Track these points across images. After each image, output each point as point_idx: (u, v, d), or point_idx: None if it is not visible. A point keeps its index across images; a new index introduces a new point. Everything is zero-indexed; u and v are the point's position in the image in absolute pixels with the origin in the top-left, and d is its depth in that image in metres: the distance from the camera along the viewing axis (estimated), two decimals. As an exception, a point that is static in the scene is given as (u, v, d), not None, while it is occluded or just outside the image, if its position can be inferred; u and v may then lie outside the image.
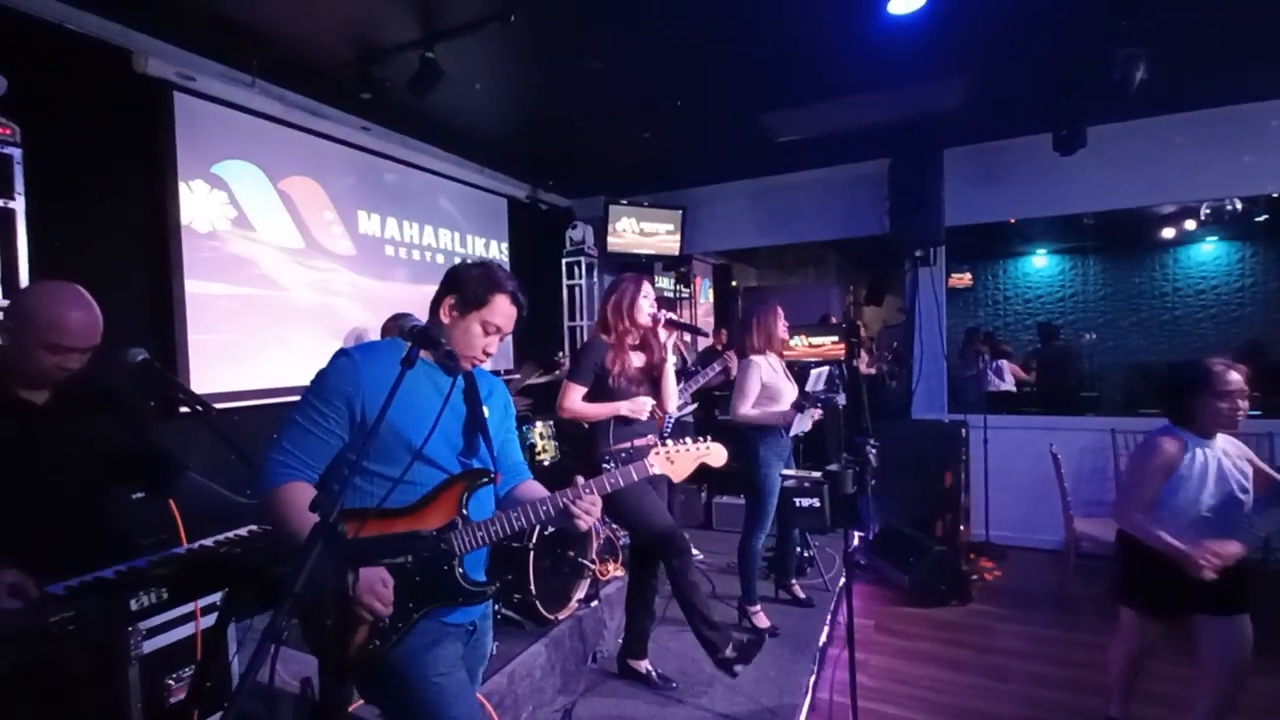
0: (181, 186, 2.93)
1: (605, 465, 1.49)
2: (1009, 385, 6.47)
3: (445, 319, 1.43)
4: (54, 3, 2.54)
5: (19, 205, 2.24)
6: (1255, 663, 2.08)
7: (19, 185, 2.23)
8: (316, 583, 0.86)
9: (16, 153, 2.23)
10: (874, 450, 2.57)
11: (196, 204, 2.99)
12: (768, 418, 3.14)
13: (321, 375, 1.33)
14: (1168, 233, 7.56)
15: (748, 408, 3.15)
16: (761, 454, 3.14)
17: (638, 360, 2.57)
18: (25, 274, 2.23)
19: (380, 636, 1.22)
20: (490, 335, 1.43)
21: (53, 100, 2.50)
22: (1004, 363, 6.57)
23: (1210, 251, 7.88)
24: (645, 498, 2.50)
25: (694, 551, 4.20)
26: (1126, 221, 6.56)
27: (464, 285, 1.43)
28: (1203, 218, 6.27)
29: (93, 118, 2.66)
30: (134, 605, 1.43)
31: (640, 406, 2.51)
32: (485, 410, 1.46)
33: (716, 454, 1.66)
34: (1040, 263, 8.89)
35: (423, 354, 1.36)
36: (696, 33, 2.97)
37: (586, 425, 2.57)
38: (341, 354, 1.35)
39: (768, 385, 3.17)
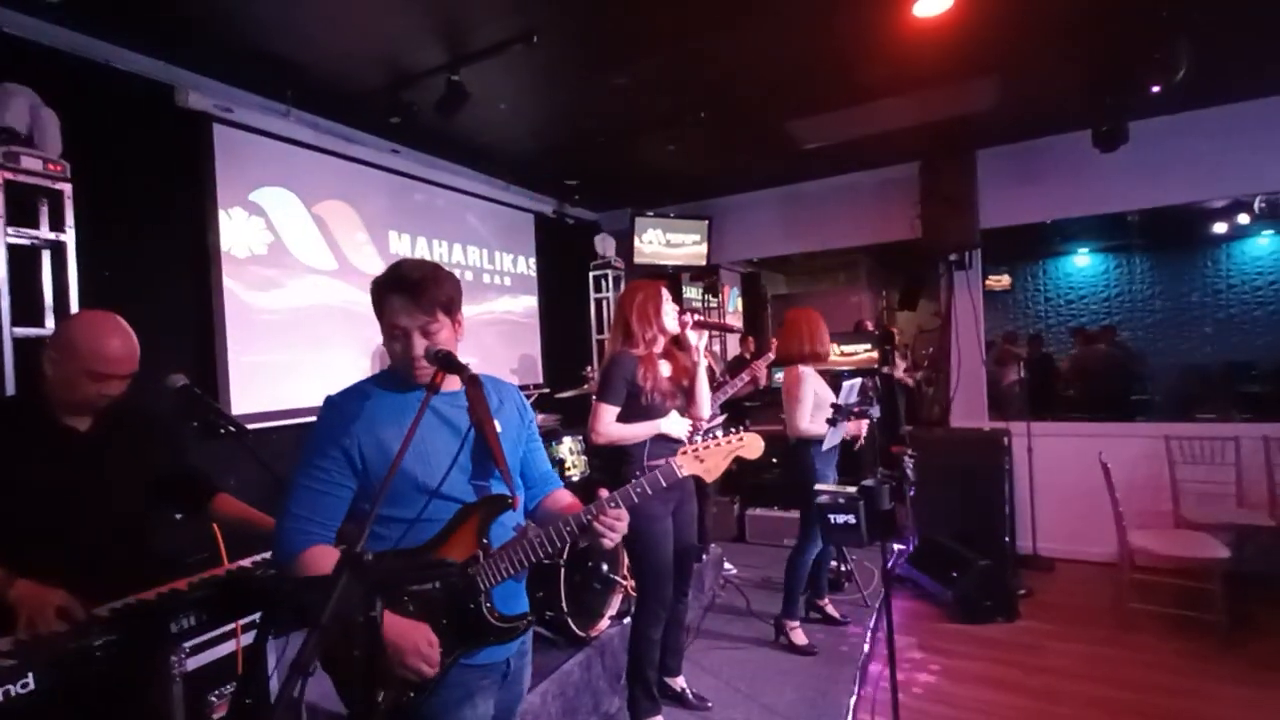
0: (221, 214, 3.03)
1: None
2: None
3: (385, 346, 1.33)
4: (102, 43, 2.66)
5: (69, 238, 2.34)
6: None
7: (69, 219, 2.34)
8: (344, 615, 0.86)
9: (67, 188, 2.33)
10: (911, 462, 2.50)
11: (235, 230, 3.09)
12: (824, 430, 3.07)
13: (315, 432, 1.27)
14: (1219, 228, 7.23)
15: (807, 421, 3.10)
16: (818, 467, 3.10)
17: (666, 370, 2.45)
18: (75, 304, 2.33)
19: (415, 688, 1.18)
20: (397, 340, 1.26)
21: (100, 136, 2.62)
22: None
23: (1266, 246, 7.51)
24: (657, 524, 2.35)
25: (727, 566, 4.16)
26: (1174, 217, 6.28)
27: (373, 303, 1.31)
28: (1257, 211, 5.97)
29: (137, 151, 2.77)
30: (174, 628, 1.46)
31: (682, 426, 2.39)
32: (496, 425, 1.34)
33: (752, 445, 1.50)
34: (1083, 262, 8.59)
35: (394, 383, 1.32)
36: (717, 45, 2.96)
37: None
38: (326, 404, 1.30)
39: (818, 395, 3.14)
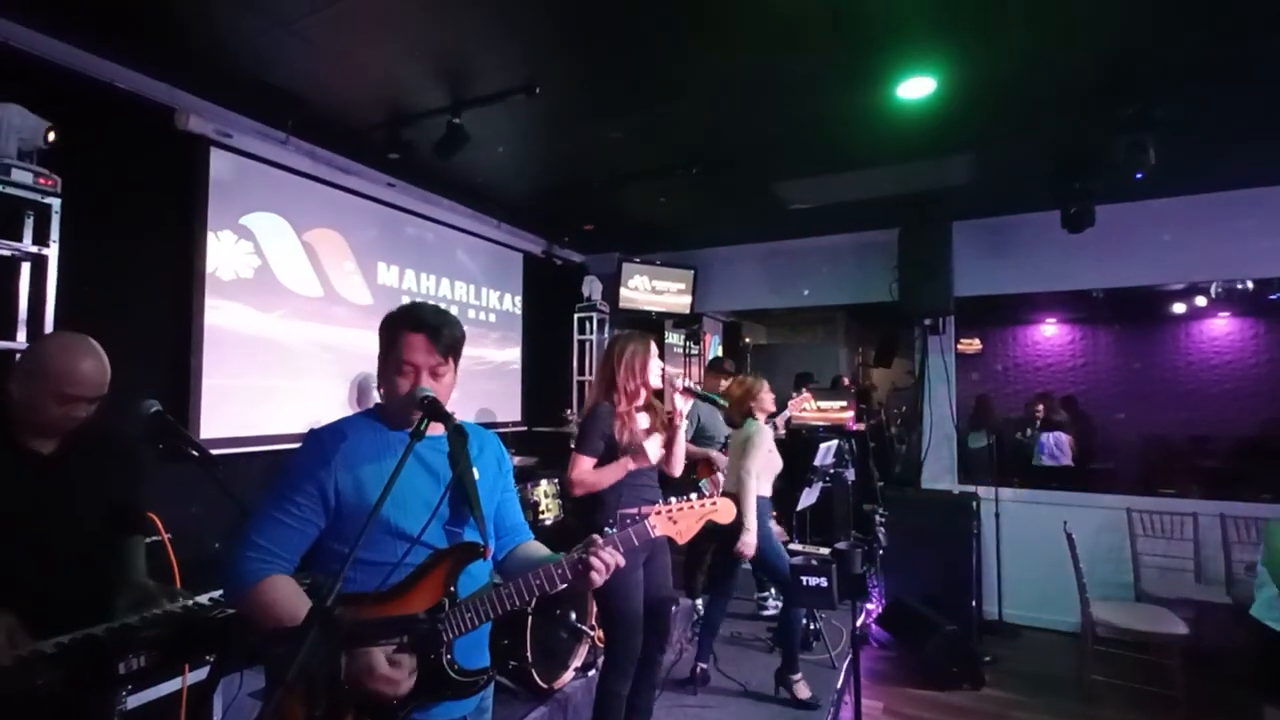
0: (210, 236, 3.02)
1: (608, 531, 1.37)
2: (1067, 460, 6.14)
3: (384, 383, 1.33)
4: (106, 62, 2.68)
5: (52, 252, 2.31)
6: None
7: (54, 234, 2.31)
8: (309, 671, 0.84)
9: (56, 203, 2.31)
10: (883, 524, 2.52)
11: (223, 253, 3.08)
12: None
13: (292, 463, 1.26)
14: (1179, 308, 7.58)
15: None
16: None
17: (644, 422, 2.45)
18: (50, 319, 2.29)
19: None
20: (406, 377, 1.29)
21: (95, 153, 2.61)
22: (1063, 436, 6.22)
23: (1223, 327, 7.86)
24: (629, 574, 2.27)
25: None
26: (1137, 295, 6.58)
27: (381, 338, 1.34)
28: (1214, 295, 6.29)
29: (131, 170, 2.77)
30: (122, 669, 1.39)
31: (653, 447, 2.36)
32: (475, 472, 1.33)
33: (725, 510, 1.50)
34: (1050, 331, 8.89)
35: (383, 421, 1.33)
36: (712, 106, 3.09)
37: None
38: (309, 436, 1.30)
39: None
